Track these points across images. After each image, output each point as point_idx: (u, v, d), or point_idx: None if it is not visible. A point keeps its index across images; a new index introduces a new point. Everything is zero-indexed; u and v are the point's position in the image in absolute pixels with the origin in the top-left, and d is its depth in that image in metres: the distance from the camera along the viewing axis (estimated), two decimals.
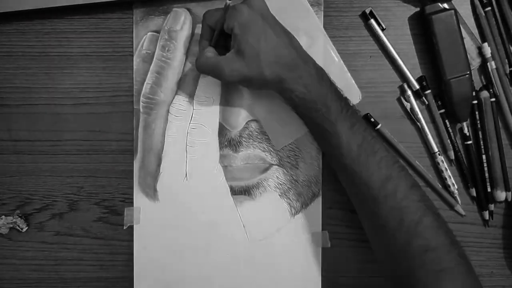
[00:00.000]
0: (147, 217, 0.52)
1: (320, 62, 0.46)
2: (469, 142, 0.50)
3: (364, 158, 0.42)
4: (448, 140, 0.50)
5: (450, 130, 0.50)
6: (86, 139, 0.52)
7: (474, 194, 0.50)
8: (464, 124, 0.50)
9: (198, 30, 0.51)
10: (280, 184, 0.51)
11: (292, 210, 0.51)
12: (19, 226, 0.52)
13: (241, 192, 0.51)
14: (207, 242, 0.52)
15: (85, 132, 0.52)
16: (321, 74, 0.45)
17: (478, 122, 0.50)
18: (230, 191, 0.51)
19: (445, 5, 0.48)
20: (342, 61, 0.50)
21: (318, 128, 0.44)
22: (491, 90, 0.50)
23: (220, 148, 0.51)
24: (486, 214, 0.50)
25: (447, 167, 0.50)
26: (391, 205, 0.41)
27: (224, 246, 0.52)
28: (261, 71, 0.43)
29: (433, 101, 0.50)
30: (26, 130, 0.52)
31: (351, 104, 0.45)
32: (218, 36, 0.46)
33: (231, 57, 0.44)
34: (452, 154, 0.50)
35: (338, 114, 0.43)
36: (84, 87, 0.52)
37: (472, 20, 0.50)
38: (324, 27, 0.50)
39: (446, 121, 0.50)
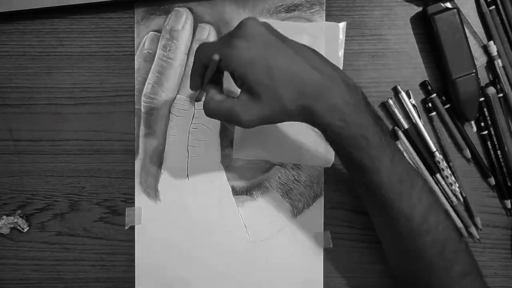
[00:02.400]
0: (148, 217, 0.51)
1: None
2: (485, 132, 0.49)
3: (406, 192, 0.39)
4: (461, 139, 0.50)
5: (462, 129, 0.50)
6: (87, 139, 0.52)
7: (493, 183, 0.50)
8: (472, 122, 0.49)
9: (199, 29, 0.51)
10: (282, 184, 0.51)
11: (294, 210, 0.51)
12: (20, 226, 0.51)
13: (243, 192, 0.51)
14: (208, 243, 0.51)
15: (86, 132, 0.52)
16: (356, 96, 0.37)
17: (488, 118, 0.49)
18: (232, 191, 0.51)
19: (448, 4, 0.48)
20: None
21: (355, 164, 0.39)
22: (498, 86, 0.49)
23: (221, 148, 0.51)
24: (509, 203, 0.50)
25: (446, 165, 0.49)
26: (433, 238, 0.40)
27: (226, 247, 0.51)
28: (284, 109, 0.36)
29: (441, 104, 0.49)
30: (27, 130, 0.52)
31: (384, 127, 0.41)
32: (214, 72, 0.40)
33: (245, 100, 0.37)
34: (468, 153, 0.49)
35: (378, 147, 0.37)
36: (85, 86, 0.52)
37: (474, 18, 0.50)
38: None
39: (456, 120, 0.50)
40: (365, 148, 0.37)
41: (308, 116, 0.37)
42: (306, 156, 0.50)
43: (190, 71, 0.42)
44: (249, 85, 0.36)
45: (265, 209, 0.51)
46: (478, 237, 0.50)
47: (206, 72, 0.40)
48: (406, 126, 0.49)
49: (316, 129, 0.38)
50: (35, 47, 0.52)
